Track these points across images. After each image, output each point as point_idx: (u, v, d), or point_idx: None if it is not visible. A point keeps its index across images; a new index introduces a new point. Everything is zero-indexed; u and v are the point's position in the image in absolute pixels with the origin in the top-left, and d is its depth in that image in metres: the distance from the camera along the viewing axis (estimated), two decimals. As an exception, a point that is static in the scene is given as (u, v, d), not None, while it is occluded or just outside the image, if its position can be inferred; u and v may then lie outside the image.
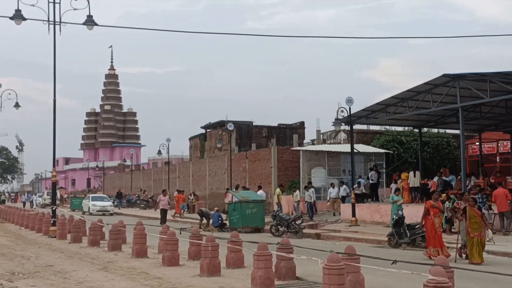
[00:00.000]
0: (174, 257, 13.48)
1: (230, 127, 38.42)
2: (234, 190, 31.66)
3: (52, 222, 22.10)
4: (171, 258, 13.39)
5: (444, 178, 25.96)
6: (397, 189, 24.57)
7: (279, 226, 23.18)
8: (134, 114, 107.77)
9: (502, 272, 8.52)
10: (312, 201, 29.04)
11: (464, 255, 15.05)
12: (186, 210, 38.78)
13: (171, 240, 13.62)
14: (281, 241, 11.62)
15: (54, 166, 22.61)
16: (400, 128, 36.06)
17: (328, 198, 30.24)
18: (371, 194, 29.56)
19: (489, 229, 15.06)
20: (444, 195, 22.53)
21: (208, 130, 54.43)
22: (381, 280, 10.84)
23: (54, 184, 23.16)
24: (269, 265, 10.51)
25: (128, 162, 65.67)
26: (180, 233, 15.13)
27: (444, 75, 23.15)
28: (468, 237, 14.37)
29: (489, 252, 16.20)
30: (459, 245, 15.22)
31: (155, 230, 16.14)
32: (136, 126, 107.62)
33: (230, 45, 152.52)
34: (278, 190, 30.07)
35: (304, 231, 23.14)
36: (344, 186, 29.52)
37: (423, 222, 16.00)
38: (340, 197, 29.38)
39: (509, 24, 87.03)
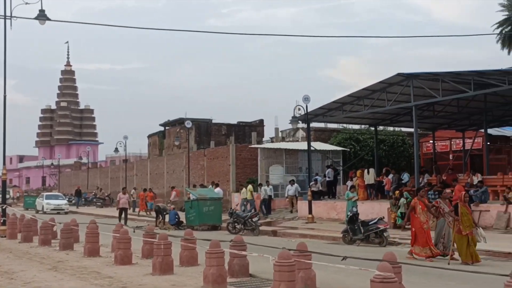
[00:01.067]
0: (127, 256, 13.30)
1: (188, 124, 38.22)
2: (192, 187, 31.56)
3: (2, 221, 21.55)
4: (124, 256, 13.22)
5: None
6: (352, 186, 24.87)
7: (236, 224, 23.17)
8: (91, 111, 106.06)
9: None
10: (268, 196, 29.25)
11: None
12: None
13: (124, 239, 13.45)
14: (234, 238, 11.60)
15: (4, 164, 22.08)
16: (356, 126, 36.53)
17: (286, 196, 30.37)
18: (328, 192, 29.84)
19: (479, 228, 14.41)
20: (397, 192, 22.94)
21: (167, 128, 54.03)
22: (333, 276, 10.93)
23: (4, 182, 22.58)
24: (222, 262, 10.47)
25: (84, 160, 64.59)
26: (134, 231, 14.98)
27: (399, 74, 23.50)
28: (460, 236, 13.59)
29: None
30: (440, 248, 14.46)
31: (110, 229, 15.91)
32: (93, 123, 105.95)
33: (191, 43, 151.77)
34: (250, 186, 29.99)
35: (261, 228, 23.18)
36: (296, 185, 29.84)
37: (408, 221, 15.48)
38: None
39: (464, 26, 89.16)
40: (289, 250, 9.34)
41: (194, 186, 33.15)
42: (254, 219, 22.81)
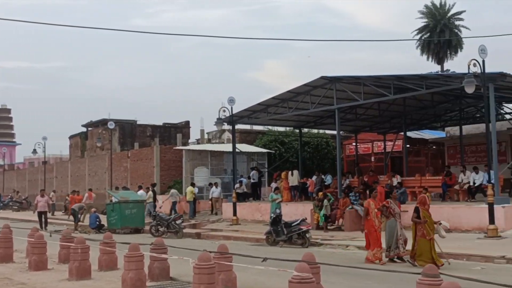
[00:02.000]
0: (42, 261, 12.78)
1: (111, 125, 37.32)
2: (115, 190, 30.81)
3: None
4: (38, 262, 12.68)
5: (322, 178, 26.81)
6: (276, 188, 25.02)
7: (159, 227, 22.79)
8: (8, 110, 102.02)
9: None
10: (178, 200, 29.09)
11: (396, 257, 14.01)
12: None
13: (39, 243, 12.91)
14: (155, 241, 11.38)
15: None
16: (282, 128, 36.84)
17: (210, 197, 30.20)
18: (253, 193, 29.91)
19: (441, 223, 13.79)
20: (320, 193, 23.25)
21: (89, 129, 52.60)
22: (254, 277, 10.89)
23: None
24: (141, 266, 10.23)
25: (0, 162, 61.89)
26: (51, 236, 14.44)
27: (322, 77, 23.87)
28: (424, 240, 13.04)
29: (360, 248, 16.87)
30: (393, 249, 13.98)
31: (26, 233, 15.22)
32: (11, 123, 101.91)
33: (115, 42, 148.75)
34: (190, 188, 29.59)
35: (184, 231, 22.92)
36: (219, 187, 29.82)
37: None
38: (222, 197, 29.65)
39: (387, 31, 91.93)
40: (210, 252, 9.23)
41: (117, 188, 32.39)
42: (177, 222, 22.52)
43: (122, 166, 38.63)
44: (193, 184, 29.95)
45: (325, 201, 21.81)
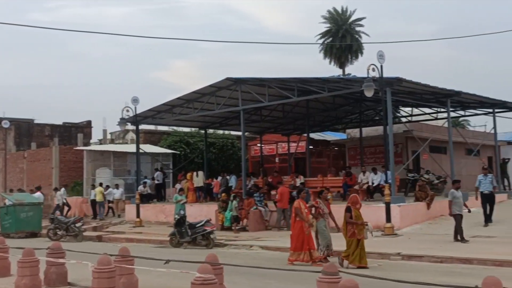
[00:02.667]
0: None
1: (6, 124, 35.45)
2: (9, 192, 29.35)
3: None
4: None
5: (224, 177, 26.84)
6: (181, 189, 24.78)
7: (57, 230, 21.94)
8: None
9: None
10: (62, 203, 28.25)
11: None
12: None
13: None
14: (51, 245, 10.88)
15: None
16: (187, 129, 36.60)
17: (111, 199, 29.42)
18: (157, 194, 29.49)
19: (369, 223, 13.45)
20: (224, 194, 23.30)
21: (-18, 128, 49.80)
22: (157, 280, 10.69)
23: None
24: (36, 271, 9.77)
25: None
26: None
27: (227, 79, 23.93)
28: (354, 240, 12.81)
29: (263, 248, 17.07)
30: (322, 250, 13.63)
31: None
32: None
33: (10, 37, 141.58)
34: (99, 188, 28.53)
35: (85, 234, 22.21)
36: (121, 189, 29.16)
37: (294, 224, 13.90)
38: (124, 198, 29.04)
39: (291, 34, 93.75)
40: (111, 255, 8.95)
41: (11, 190, 30.88)
42: (77, 224, 21.77)
43: (18, 167, 36.85)
44: (101, 184, 29.08)
45: (234, 202, 21.87)
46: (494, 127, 26.90)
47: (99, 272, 8.25)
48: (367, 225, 13.15)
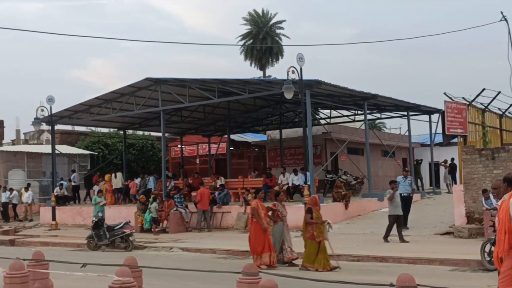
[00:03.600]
0: None
1: None
2: None
3: None
4: None
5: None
6: (99, 191, 24.15)
7: (-34, 235, 20.86)
8: None
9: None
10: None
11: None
12: None
13: None
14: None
15: None
16: (105, 130, 35.81)
17: (16, 202, 28.15)
18: (74, 197, 28.66)
19: (328, 221, 13.05)
20: (142, 196, 22.98)
21: None
22: (73, 284, 10.40)
23: None
24: None
25: None
26: None
27: (147, 79, 23.60)
28: (313, 242, 12.48)
29: (183, 249, 16.95)
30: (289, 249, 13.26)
31: None
32: None
33: None
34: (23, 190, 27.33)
35: (-4, 238, 21.26)
36: (30, 191, 28.09)
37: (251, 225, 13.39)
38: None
39: (213, 35, 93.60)
40: (24, 260, 8.61)
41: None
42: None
43: None
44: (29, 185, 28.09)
45: (154, 203, 21.59)
46: (408, 130, 27.98)
47: (11, 277, 7.92)
48: (328, 223, 12.88)
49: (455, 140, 19.64)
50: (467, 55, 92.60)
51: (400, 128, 39.80)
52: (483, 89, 18.18)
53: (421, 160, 31.00)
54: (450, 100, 18.01)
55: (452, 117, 17.71)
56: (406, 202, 18.44)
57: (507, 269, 6.08)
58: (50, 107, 25.19)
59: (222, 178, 25.10)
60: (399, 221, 16.27)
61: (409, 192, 18.80)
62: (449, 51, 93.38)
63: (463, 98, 18.47)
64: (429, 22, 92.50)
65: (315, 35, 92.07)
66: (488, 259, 11.77)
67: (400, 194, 17.33)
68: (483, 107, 19.17)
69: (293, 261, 13.14)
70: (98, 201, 21.84)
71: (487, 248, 11.86)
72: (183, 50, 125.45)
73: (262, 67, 57.31)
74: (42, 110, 24.88)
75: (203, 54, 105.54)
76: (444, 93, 18.12)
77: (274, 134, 33.24)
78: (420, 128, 35.76)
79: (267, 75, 55.93)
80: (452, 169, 27.92)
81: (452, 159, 27.56)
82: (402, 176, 19.26)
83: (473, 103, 18.50)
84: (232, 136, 33.18)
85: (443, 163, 29.52)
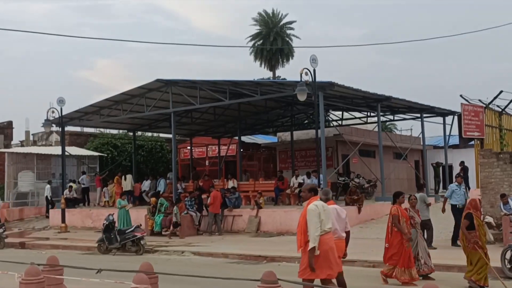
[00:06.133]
0: None
1: None
2: None
3: None
4: None
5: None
6: (122, 194, 23.66)
7: (-24, 237, 20.71)
8: None
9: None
10: None
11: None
12: None
13: None
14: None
15: None
16: (114, 131, 35.67)
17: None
18: (83, 199, 28.52)
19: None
20: (153, 199, 22.75)
21: None
22: (87, 290, 10.17)
23: None
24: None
25: None
26: None
27: (158, 80, 23.42)
28: (475, 253, 10.55)
29: (195, 253, 16.74)
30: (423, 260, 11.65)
31: None
32: None
33: None
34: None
35: (7, 240, 21.09)
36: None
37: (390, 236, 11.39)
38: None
39: (222, 36, 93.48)
40: (38, 264, 8.42)
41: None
42: (-2, 231, 20.65)
43: None
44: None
45: (175, 207, 21.41)
46: (422, 132, 27.64)
47: (27, 283, 7.74)
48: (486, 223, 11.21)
49: (471, 142, 19.33)
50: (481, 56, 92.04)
51: (411, 129, 39.43)
52: (501, 92, 17.89)
53: (442, 163, 29.79)
54: (466, 103, 17.72)
55: (468, 120, 17.45)
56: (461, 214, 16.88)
57: None
58: (61, 109, 25.12)
59: (235, 181, 24.79)
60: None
61: (464, 203, 15.37)
62: (461, 52, 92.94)
63: (479, 100, 18.20)
64: (434, 23, 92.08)
65: (323, 35, 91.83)
66: (509, 266, 11.49)
67: (456, 205, 15.66)
68: (500, 110, 18.86)
69: (429, 275, 11.52)
70: (123, 204, 21.51)
71: (507, 255, 11.57)
72: (191, 51, 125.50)
73: (272, 68, 56.97)
74: (53, 112, 24.79)
75: (211, 55, 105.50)
76: (461, 96, 17.87)
77: (285, 136, 32.98)
78: (432, 130, 35.34)
79: (276, 76, 55.65)
80: (464, 172, 27.51)
81: (463, 162, 27.17)
82: (456, 183, 16.38)
83: (489, 105, 18.22)
84: (243, 138, 32.95)
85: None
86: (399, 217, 11.11)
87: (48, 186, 27.89)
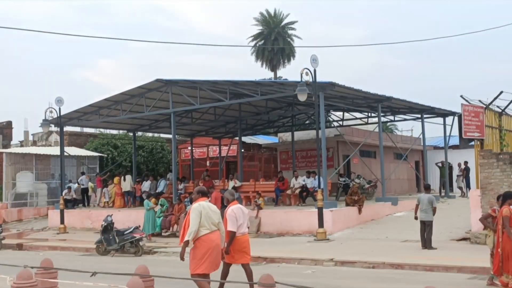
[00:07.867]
0: None
1: None
2: None
3: None
4: None
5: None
6: (149, 195, 23.19)
7: (-27, 238, 20.56)
8: None
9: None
10: None
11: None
12: None
13: None
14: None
15: None
16: (114, 131, 35.55)
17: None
18: (82, 199, 28.38)
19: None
20: (153, 199, 22.56)
21: None
22: (82, 293, 10.02)
23: None
24: None
25: None
26: None
27: (158, 80, 23.28)
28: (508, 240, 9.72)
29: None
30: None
31: None
32: None
33: None
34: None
35: (4, 241, 20.95)
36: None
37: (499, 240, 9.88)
38: None
39: (222, 36, 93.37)
40: (32, 267, 8.27)
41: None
42: (-5, 232, 20.49)
43: None
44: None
45: (164, 207, 21.26)
46: (423, 132, 27.47)
47: (18, 287, 7.57)
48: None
49: (471, 143, 19.14)
50: (481, 57, 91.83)
51: (412, 130, 39.25)
52: (501, 92, 17.70)
53: (449, 162, 28.48)
54: (466, 103, 17.54)
55: (469, 120, 17.25)
56: None
57: None
58: (59, 109, 24.98)
59: (237, 181, 24.59)
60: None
61: None
62: (462, 53, 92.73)
63: (479, 101, 18.01)
64: (435, 24, 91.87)
65: (325, 36, 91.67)
66: None
67: None
68: (500, 110, 18.68)
69: None
70: (152, 206, 21.15)
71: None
72: (192, 51, 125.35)
73: (273, 68, 56.81)
74: (51, 112, 24.65)
75: (213, 55, 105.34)
76: (461, 96, 17.65)
77: (286, 136, 32.84)
78: (433, 130, 35.23)
79: (278, 76, 55.47)
80: (466, 172, 27.37)
81: (466, 163, 27.00)
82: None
83: (489, 106, 18.03)
84: (243, 138, 32.81)
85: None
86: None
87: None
